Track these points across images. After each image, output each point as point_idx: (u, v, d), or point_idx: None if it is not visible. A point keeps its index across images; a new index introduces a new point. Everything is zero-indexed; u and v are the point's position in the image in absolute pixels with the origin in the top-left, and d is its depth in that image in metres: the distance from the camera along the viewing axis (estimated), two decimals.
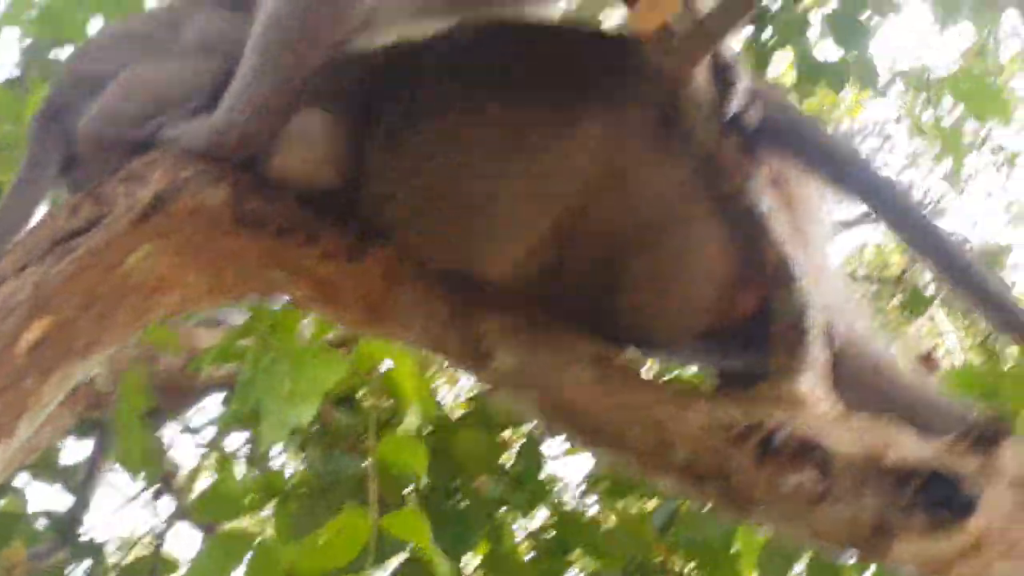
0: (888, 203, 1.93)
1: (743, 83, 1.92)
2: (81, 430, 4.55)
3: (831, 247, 2.14)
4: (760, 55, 5.91)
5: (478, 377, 2.10)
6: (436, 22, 2.17)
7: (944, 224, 1.95)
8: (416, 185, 2.01)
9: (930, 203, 15.68)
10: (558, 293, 2.03)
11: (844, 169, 1.94)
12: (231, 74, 2.10)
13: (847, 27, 6.10)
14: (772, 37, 6.02)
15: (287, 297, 2.21)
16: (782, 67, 6.93)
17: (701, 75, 1.90)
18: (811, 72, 6.07)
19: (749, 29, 5.87)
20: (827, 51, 6.34)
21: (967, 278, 1.89)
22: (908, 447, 1.88)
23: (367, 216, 2.07)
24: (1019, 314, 1.88)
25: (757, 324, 1.98)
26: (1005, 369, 3.49)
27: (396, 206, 2.04)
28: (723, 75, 1.91)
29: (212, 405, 4.76)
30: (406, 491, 3.65)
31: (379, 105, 2.06)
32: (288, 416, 3.14)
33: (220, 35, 2.25)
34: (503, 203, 1.97)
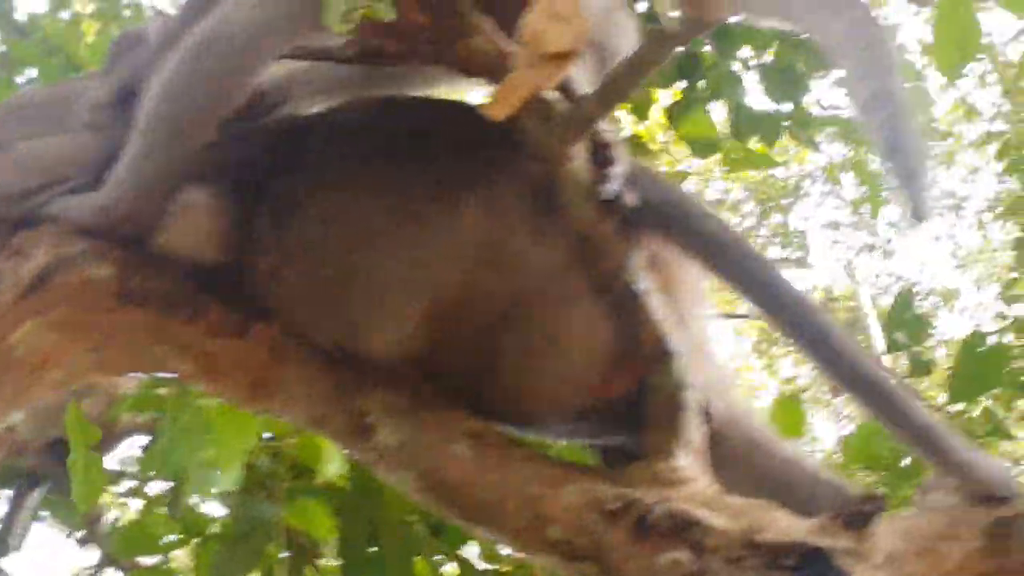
0: (762, 289, 1.95)
1: (621, 164, 1.94)
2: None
3: (711, 326, 2.16)
4: (693, 108, 5.95)
5: (360, 453, 2.10)
6: (323, 101, 2.19)
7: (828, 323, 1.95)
8: (300, 263, 2.02)
9: (881, 246, 15.80)
10: (439, 370, 2.04)
11: (719, 254, 1.96)
12: (119, 150, 2.10)
13: (781, 80, 6.14)
14: (706, 89, 6.06)
15: (174, 373, 2.20)
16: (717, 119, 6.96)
17: (580, 155, 1.92)
18: (746, 124, 6.09)
19: (683, 81, 5.92)
20: (765, 102, 6.37)
21: (843, 364, 1.92)
22: (782, 525, 1.89)
23: (253, 292, 2.08)
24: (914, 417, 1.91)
25: (634, 402, 2.00)
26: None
27: (281, 283, 2.05)
28: (601, 155, 1.94)
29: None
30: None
31: (266, 182, 2.07)
32: (212, 480, 3.14)
33: (110, 112, 2.25)
34: (386, 282, 1.98)
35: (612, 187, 1.93)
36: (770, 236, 15.53)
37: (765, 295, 1.95)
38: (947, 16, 1.94)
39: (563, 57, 1.72)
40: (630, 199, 1.94)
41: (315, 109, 2.22)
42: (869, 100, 1.57)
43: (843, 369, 1.92)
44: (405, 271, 1.97)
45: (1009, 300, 9.91)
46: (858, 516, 1.87)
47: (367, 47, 1.95)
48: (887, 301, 15.72)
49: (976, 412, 4.30)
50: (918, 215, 1.49)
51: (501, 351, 2.00)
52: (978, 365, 4.05)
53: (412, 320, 1.99)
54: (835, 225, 15.45)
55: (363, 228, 1.99)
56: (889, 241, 15.62)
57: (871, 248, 15.63)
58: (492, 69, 1.90)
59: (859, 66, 1.61)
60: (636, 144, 6.61)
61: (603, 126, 1.93)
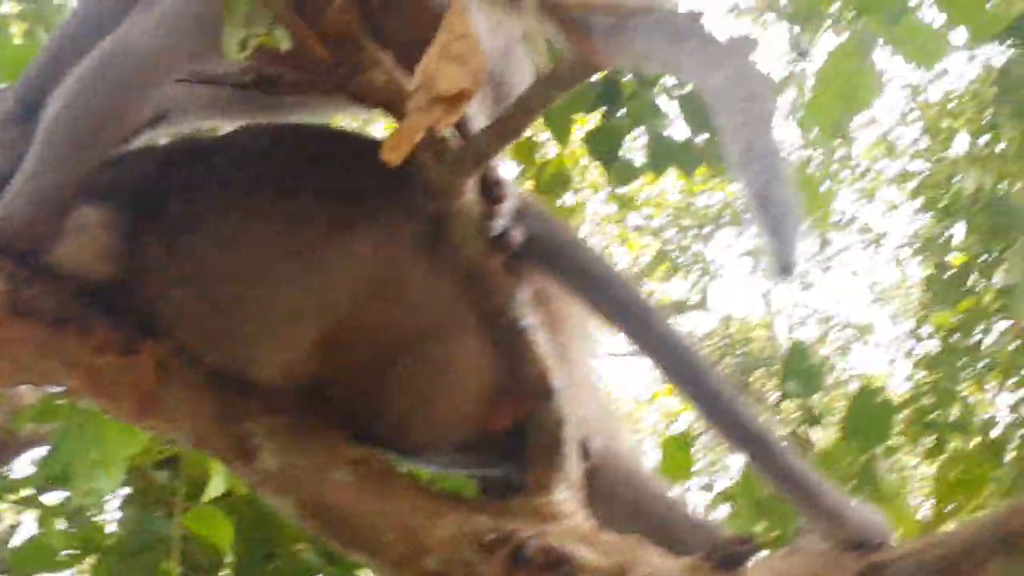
0: (640, 329, 1.99)
1: (510, 201, 1.97)
2: None
3: (595, 363, 2.19)
4: (613, 136, 5.98)
5: (243, 476, 2.11)
6: (222, 123, 2.21)
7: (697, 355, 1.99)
8: (192, 285, 2.03)
9: (799, 278, 15.92)
10: (326, 396, 2.05)
11: (599, 292, 2.00)
12: (16, 165, 2.11)
13: (701, 110, 6.18)
14: (626, 117, 6.09)
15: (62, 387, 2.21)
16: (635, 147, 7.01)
17: (471, 191, 1.95)
18: (664, 153, 6.13)
19: (601, 109, 5.96)
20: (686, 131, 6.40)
21: (716, 407, 1.95)
22: (655, 563, 1.93)
23: (143, 310, 2.09)
24: (772, 447, 1.94)
25: (516, 436, 2.03)
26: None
27: (171, 304, 2.06)
28: (491, 192, 1.97)
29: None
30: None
31: (162, 202, 2.08)
32: (96, 481, 3.14)
33: (13, 126, 2.25)
34: (275, 309, 2.00)
35: (501, 224, 1.96)
36: (690, 264, 15.65)
37: (641, 334, 1.99)
38: (835, 67, 1.97)
39: (458, 98, 1.74)
40: (518, 236, 1.97)
41: (211, 131, 2.24)
42: (743, 154, 1.60)
43: (715, 411, 1.96)
44: (295, 300, 1.99)
45: (919, 338, 10.05)
46: (730, 557, 1.91)
47: (264, 75, 1.97)
48: (804, 333, 15.89)
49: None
50: (783, 271, 1.53)
51: (388, 381, 2.02)
52: (867, 418, 4.12)
53: (300, 348, 2.01)
54: (754, 254, 15.58)
55: (255, 254, 2.01)
56: (807, 273, 15.76)
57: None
58: (390, 101, 1.93)
59: (735, 119, 1.64)
60: (556, 170, 6.64)
61: (494, 163, 1.96)
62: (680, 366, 1.98)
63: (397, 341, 2.01)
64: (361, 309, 1.98)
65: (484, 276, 1.98)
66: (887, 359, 14.54)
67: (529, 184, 6.90)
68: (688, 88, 6.20)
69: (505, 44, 2.08)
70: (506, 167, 2.02)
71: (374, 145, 1.82)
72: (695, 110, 6.13)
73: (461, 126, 1.91)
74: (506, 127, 1.93)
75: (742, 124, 1.62)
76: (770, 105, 1.65)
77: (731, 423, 1.95)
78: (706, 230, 15.21)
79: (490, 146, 1.93)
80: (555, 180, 6.87)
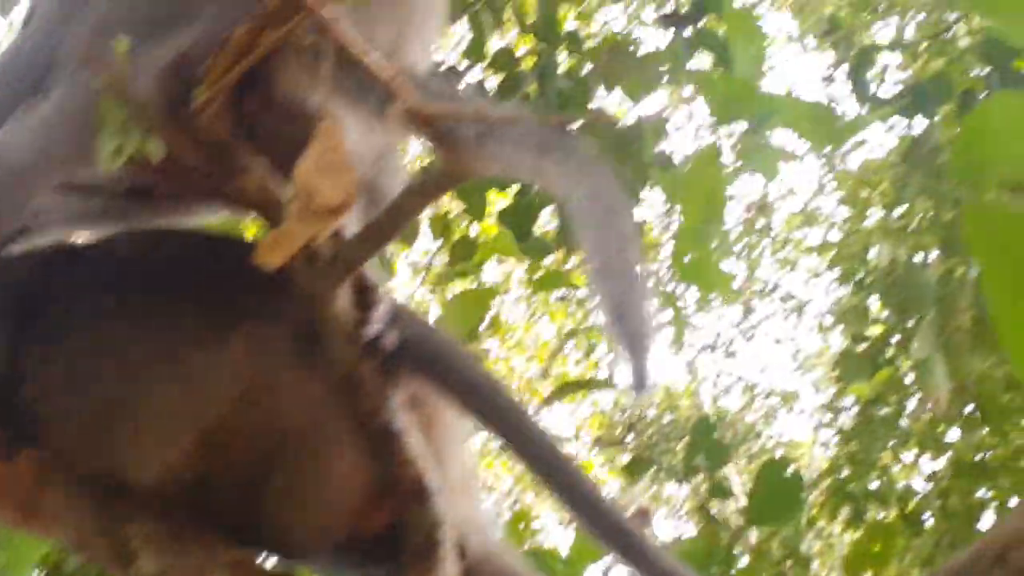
0: (510, 431, 2.02)
1: (382, 307, 2.00)
2: None
3: (470, 463, 2.22)
4: (526, 212, 6.03)
5: None
6: (95, 228, 2.22)
7: None
8: (69, 389, 2.04)
9: (723, 346, 16.03)
10: (203, 500, 2.06)
11: (472, 395, 2.03)
12: None
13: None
14: (539, 195, 6.15)
15: None
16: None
17: (343, 297, 1.97)
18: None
19: (515, 186, 6.01)
20: None
21: (582, 505, 1.99)
22: None
23: (20, 415, 2.09)
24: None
25: (393, 537, 2.05)
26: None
27: (48, 408, 2.07)
28: (364, 298, 1.99)
29: None
30: None
31: (39, 307, 2.09)
32: None
33: None
34: (149, 415, 2.01)
35: (373, 329, 1.98)
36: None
37: (513, 437, 2.03)
38: (697, 174, 2.01)
39: (336, 211, 1.77)
40: (390, 341, 2.00)
41: (83, 237, 2.25)
42: (599, 270, 1.63)
43: (582, 508, 1.99)
44: (170, 404, 2.00)
45: (835, 411, 10.14)
46: None
47: (138, 183, 1.99)
48: (728, 401, 15.96)
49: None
50: (637, 387, 1.56)
51: (264, 483, 2.04)
52: (774, 493, 4.15)
53: (176, 452, 2.02)
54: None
55: (130, 359, 2.02)
56: (731, 341, 15.85)
57: (713, 347, 15.85)
58: (263, 207, 1.96)
59: (594, 234, 1.67)
60: (468, 245, 6.68)
61: (367, 268, 1.99)
62: (547, 466, 2.01)
63: (272, 444, 2.02)
64: (235, 413, 2.00)
65: (357, 381, 2.00)
66: (811, 427, 14.62)
67: (446, 257, 6.96)
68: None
69: (379, 149, 2.11)
70: (378, 275, 2.05)
71: (249, 249, 1.85)
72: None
73: (334, 232, 1.94)
74: (377, 234, 1.96)
75: (601, 239, 1.65)
76: (629, 221, 1.68)
77: (598, 522, 1.98)
78: None
79: (362, 252, 1.96)
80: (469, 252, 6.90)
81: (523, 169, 1.88)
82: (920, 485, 8.77)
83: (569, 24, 8.12)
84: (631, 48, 6.38)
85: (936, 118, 7.03)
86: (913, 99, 6.85)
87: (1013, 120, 1.46)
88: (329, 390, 2.01)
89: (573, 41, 6.95)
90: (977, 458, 8.28)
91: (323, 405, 2.01)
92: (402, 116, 1.83)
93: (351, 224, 1.97)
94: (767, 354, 17.71)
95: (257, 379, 2.00)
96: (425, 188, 1.90)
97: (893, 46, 9.07)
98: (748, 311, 15.55)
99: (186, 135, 1.91)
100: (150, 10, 1.99)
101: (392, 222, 1.95)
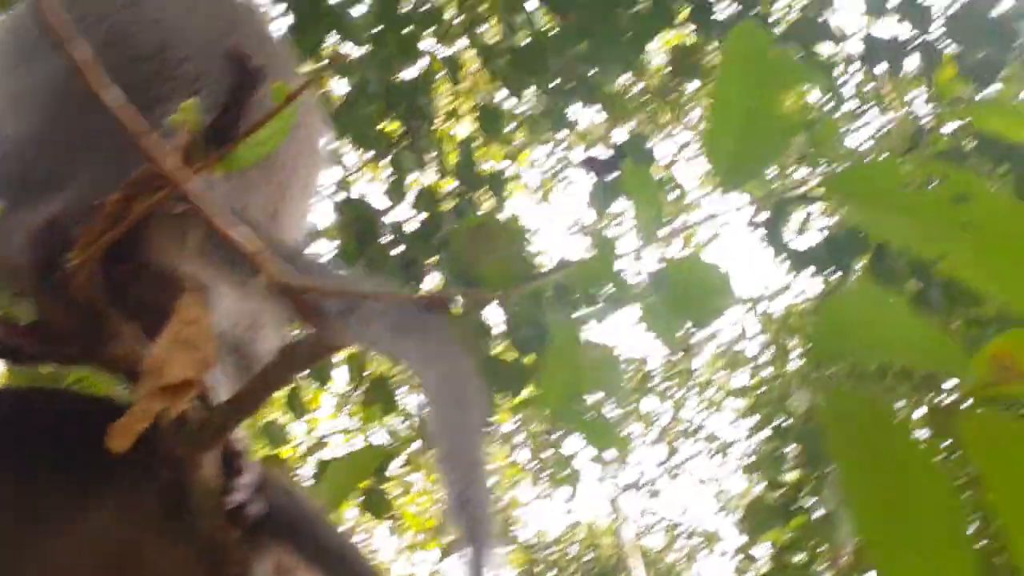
0: None
1: (249, 474, 1.99)
2: None
3: None
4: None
5: None
6: None
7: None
8: None
9: (646, 485, 16.03)
10: None
11: (336, 565, 2.02)
12: None
13: (527, 335, 6.28)
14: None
15: None
16: None
17: (210, 463, 1.96)
18: (492, 373, 6.19)
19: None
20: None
21: None
22: None
23: None
24: None
25: None
26: None
27: None
28: (230, 465, 1.98)
29: None
30: None
31: None
32: None
33: None
34: None
35: (239, 496, 1.97)
36: (541, 468, 15.68)
37: None
38: (558, 352, 2.00)
39: (184, 387, 1.76)
40: (256, 509, 1.99)
41: None
42: (444, 458, 1.61)
43: None
44: (32, 572, 1.98)
45: (751, 558, 10.14)
46: None
47: (6, 345, 1.98)
48: (651, 540, 15.94)
49: None
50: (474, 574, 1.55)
51: None
52: None
53: None
54: (602, 460, 15.67)
55: None
56: (655, 480, 15.87)
57: (637, 486, 15.86)
58: (132, 372, 1.95)
59: (442, 422, 1.65)
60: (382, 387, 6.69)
61: (235, 435, 1.98)
62: None
63: None
64: None
65: (221, 548, 1.98)
66: (732, 568, 14.60)
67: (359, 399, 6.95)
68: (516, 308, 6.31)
69: (253, 315, 2.11)
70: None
71: (116, 413, 1.83)
72: (522, 336, 6.22)
73: (203, 397, 1.93)
74: (246, 401, 1.96)
75: (448, 427, 1.64)
76: (479, 411, 1.67)
77: None
78: (555, 435, 15.28)
79: (230, 419, 1.96)
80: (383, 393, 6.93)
81: (382, 346, 1.88)
82: None
83: (491, 165, 8.22)
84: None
85: (851, 270, 7.12)
86: (828, 251, 6.95)
87: (866, 312, 1.48)
88: (192, 557, 1.98)
89: (495, 182, 7.03)
90: None
91: (189, 572, 1.99)
92: (263, 289, 1.83)
93: (220, 389, 1.97)
94: (690, 494, 17.76)
95: (119, 546, 1.98)
96: (296, 358, 1.90)
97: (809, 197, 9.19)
98: (672, 451, 15.60)
99: (57, 299, 1.91)
100: (23, 173, 2.00)
101: (262, 390, 1.94)
